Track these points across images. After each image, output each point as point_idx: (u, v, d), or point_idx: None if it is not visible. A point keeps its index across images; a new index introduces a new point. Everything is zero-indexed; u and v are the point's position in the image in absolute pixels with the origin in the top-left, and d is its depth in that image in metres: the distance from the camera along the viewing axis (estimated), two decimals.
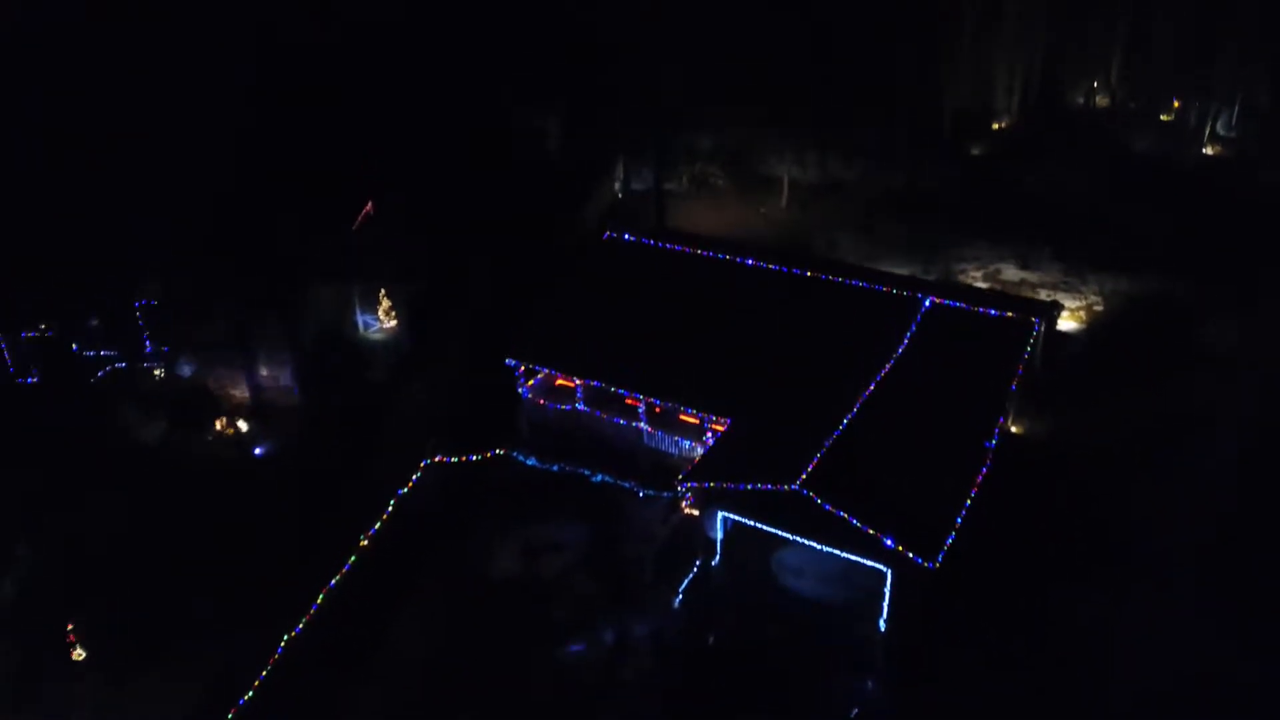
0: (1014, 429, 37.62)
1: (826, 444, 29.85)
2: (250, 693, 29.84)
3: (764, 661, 28.61)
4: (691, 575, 31.86)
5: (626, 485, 36.55)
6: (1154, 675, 27.18)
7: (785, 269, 39.13)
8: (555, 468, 37.93)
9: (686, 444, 36.08)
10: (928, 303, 36.48)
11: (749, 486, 28.98)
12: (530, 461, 38.53)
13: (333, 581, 33.69)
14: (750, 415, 33.22)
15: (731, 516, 30.87)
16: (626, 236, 42.59)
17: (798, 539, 29.53)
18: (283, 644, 31.36)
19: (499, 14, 59.18)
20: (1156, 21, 59.99)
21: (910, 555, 26.85)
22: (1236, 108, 59.66)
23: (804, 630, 29.38)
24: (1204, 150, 58.37)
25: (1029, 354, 34.85)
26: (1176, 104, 61.36)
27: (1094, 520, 32.85)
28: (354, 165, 49.83)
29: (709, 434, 34.96)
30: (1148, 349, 41.58)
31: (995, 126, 65.33)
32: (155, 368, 43.41)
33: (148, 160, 45.43)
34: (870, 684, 27.82)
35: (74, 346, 44.73)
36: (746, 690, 27.82)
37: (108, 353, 44.07)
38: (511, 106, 59.35)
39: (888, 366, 33.80)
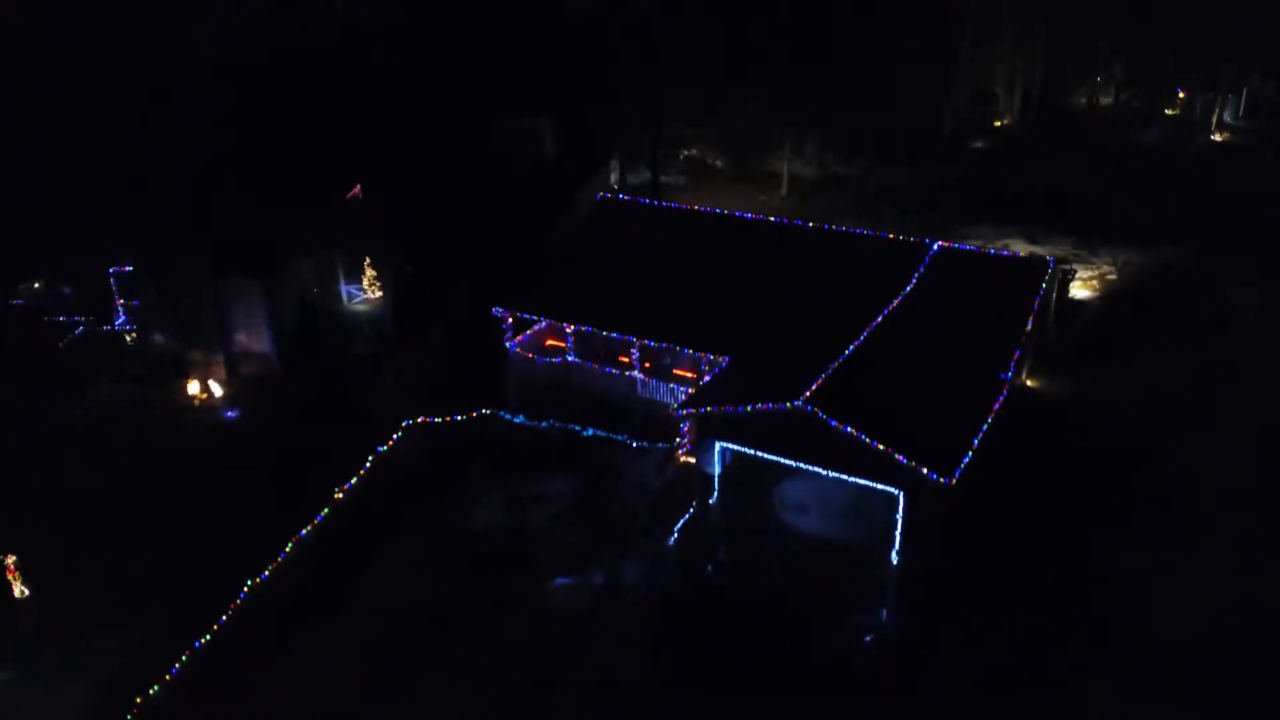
0: (1030, 383, 35.62)
1: (832, 367, 27.88)
2: (207, 636, 27.44)
3: (764, 598, 26.23)
4: (688, 516, 29.60)
5: (619, 439, 34.41)
6: (1178, 608, 24.97)
7: (786, 221, 37.60)
8: (544, 424, 35.82)
9: (684, 393, 33.98)
10: (936, 246, 34.80)
11: (751, 408, 26.92)
12: (518, 419, 36.44)
13: (303, 531, 31.44)
14: (751, 352, 31.26)
15: (730, 447, 28.71)
16: (622, 196, 41.07)
17: (802, 465, 27.35)
18: (245, 590, 29.02)
19: (493, 19, 58.46)
20: (1158, 19, 59.01)
21: (925, 471, 24.70)
22: (1244, 96, 58.59)
23: (809, 569, 27.03)
24: (1213, 137, 57.17)
25: (1043, 292, 32.99)
26: (1182, 95, 60.34)
27: (1113, 464, 30.70)
28: (342, 150, 48.47)
29: (707, 379, 32.94)
30: (1167, 311, 39.81)
31: (997, 124, 64.34)
32: (128, 332, 41.46)
33: (124, 129, 43.96)
34: (884, 613, 25.44)
35: (44, 316, 42.93)
36: (743, 625, 25.42)
37: (78, 318, 42.15)
38: (505, 108, 58.25)
39: (896, 301, 31.96)
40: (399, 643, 26.67)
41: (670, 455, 33.01)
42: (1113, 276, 43.88)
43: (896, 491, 25.99)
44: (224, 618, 28.08)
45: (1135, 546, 27.01)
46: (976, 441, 26.28)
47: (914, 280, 33.11)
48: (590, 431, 34.85)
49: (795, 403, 25.92)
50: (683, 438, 33.05)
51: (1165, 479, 29.66)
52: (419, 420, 36.80)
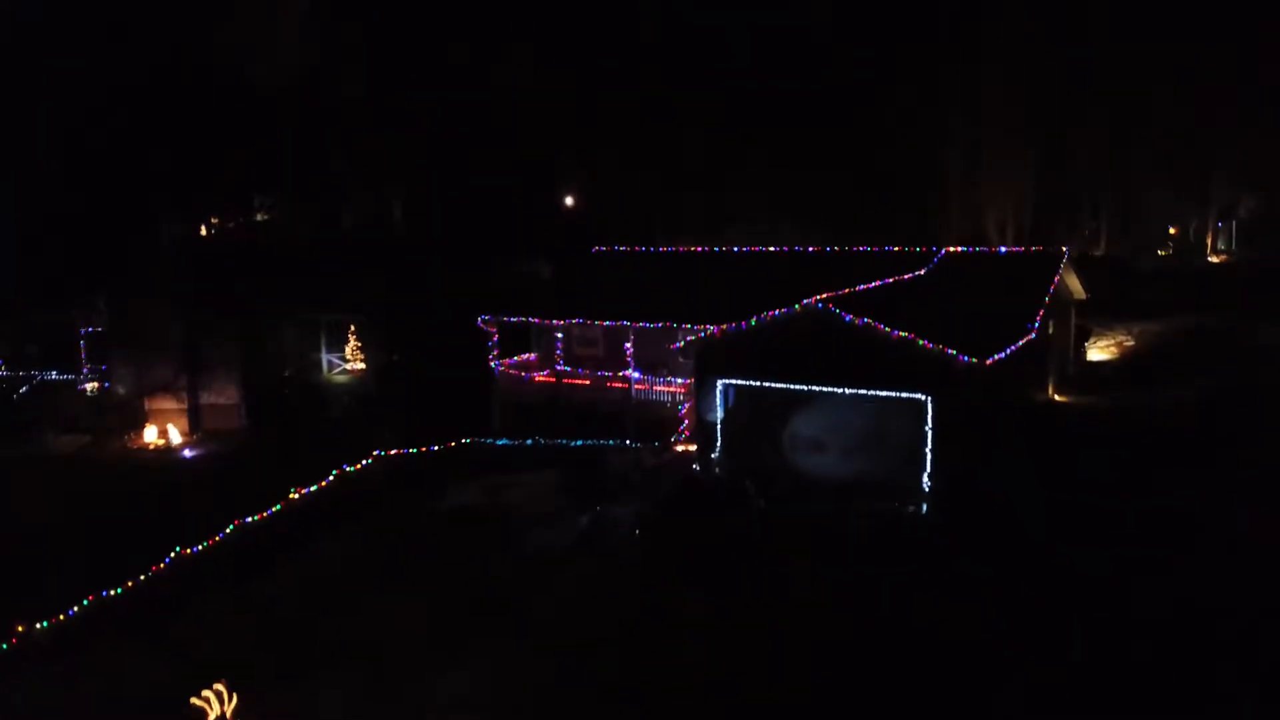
0: (1059, 398, 32.81)
1: (844, 291, 25.57)
2: (118, 589, 23.15)
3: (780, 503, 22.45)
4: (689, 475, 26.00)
5: (611, 443, 31.11)
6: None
7: (788, 249, 36.37)
8: (529, 441, 32.58)
9: (681, 398, 31.14)
10: (943, 252, 33.29)
11: (758, 319, 24.35)
12: (500, 442, 33.22)
13: (248, 519, 27.56)
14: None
15: (734, 383, 25.62)
16: (618, 248, 39.99)
17: (815, 389, 24.24)
18: (170, 556, 24.92)
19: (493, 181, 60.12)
20: (1157, 154, 59.56)
21: (955, 355, 21.80)
22: (1234, 226, 59.05)
23: (827, 511, 23.22)
24: (1209, 259, 57.05)
25: (1058, 282, 31.04)
26: (1174, 231, 60.80)
27: (1153, 435, 27.53)
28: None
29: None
30: (1194, 352, 37.61)
31: None
32: (86, 382, 38.85)
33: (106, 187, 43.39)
34: (924, 508, 21.49)
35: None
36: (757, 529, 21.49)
37: (35, 372, 39.71)
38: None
39: (907, 277, 30.00)
40: (335, 581, 22.57)
41: (667, 446, 29.72)
42: (1131, 343, 41.90)
43: (924, 397, 22.83)
44: (142, 577, 23.98)
45: (1191, 480, 23.41)
46: (1011, 348, 23.52)
47: (924, 271, 31.34)
48: (580, 443, 31.61)
49: (806, 301, 23.44)
50: (681, 429, 29.95)
51: (1213, 443, 26.39)
52: (391, 452, 33.52)
